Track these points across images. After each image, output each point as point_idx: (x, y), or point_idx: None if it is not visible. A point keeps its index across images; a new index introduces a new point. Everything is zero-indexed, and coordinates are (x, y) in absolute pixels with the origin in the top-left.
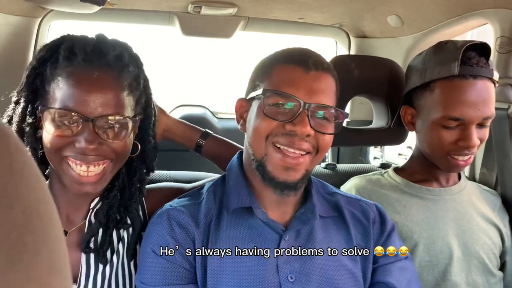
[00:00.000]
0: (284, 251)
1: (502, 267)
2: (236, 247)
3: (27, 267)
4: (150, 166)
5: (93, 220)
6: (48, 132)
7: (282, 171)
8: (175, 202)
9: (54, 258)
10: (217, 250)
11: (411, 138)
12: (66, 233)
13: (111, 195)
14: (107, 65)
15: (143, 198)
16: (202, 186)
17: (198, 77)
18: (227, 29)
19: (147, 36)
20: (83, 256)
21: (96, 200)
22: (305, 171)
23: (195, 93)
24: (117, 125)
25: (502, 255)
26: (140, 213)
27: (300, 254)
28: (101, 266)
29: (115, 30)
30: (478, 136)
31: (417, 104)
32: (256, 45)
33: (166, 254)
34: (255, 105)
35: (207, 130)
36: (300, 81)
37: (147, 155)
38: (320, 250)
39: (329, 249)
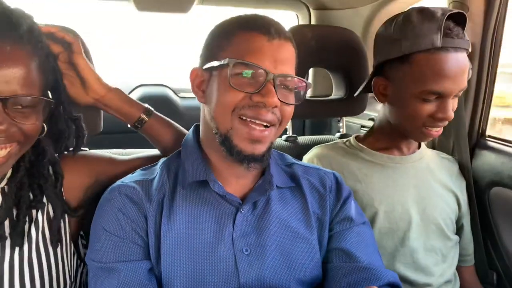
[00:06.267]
0: (240, 224)
1: (458, 231)
2: (192, 224)
3: None
4: (63, 146)
5: None
6: None
7: (249, 144)
8: (127, 178)
9: None
10: (171, 226)
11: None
12: None
13: (17, 175)
14: (19, 38)
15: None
16: (156, 162)
17: (158, 55)
18: (184, 3)
19: (104, 14)
20: None
21: None
22: (270, 143)
23: (156, 72)
24: (30, 107)
25: (458, 220)
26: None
27: (256, 226)
28: (7, 253)
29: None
30: (452, 107)
31: (392, 76)
32: (215, 17)
33: (118, 230)
34: (216, 75)
35: (148, 106)
36: (265, 50)
37: (58, 136)
38: (276, 221)
39: (284, 219)
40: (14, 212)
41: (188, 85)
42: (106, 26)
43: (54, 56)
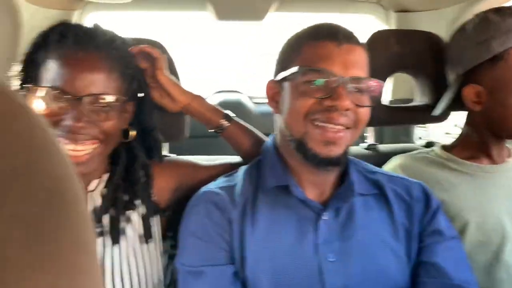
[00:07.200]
0: (324, 230)
1: None
2: (274, 227)
3: (50, 240)
4: (154, 151)
5: (96, 201)
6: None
7: (323, 146)
8: (211, 184)
9: (78, 233)
10: (254, 229)
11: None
12: None
13: (114, 179)
14: (96, 46)
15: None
16: (237, 169)
17: (235, 62)
18: (259, 11)
19: (184, 25)
20: None
21: (95, 182)
22: (346, 146)
23: (232, 78)
24: (106, 105)
25: None
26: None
27: (340, 234)
28: (108, 250)
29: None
30: None
31: (484, 79)
32: (290, 26)
33: (204, 235)
34: (288, 85)
35: (228, 112)
36: (334, 55)
37: (147, 140)
38: (361, 229)
39: (370, 228)
40: (112, 212)
41: (262, 92)
42: (186, 35)
43: (137, 67)
